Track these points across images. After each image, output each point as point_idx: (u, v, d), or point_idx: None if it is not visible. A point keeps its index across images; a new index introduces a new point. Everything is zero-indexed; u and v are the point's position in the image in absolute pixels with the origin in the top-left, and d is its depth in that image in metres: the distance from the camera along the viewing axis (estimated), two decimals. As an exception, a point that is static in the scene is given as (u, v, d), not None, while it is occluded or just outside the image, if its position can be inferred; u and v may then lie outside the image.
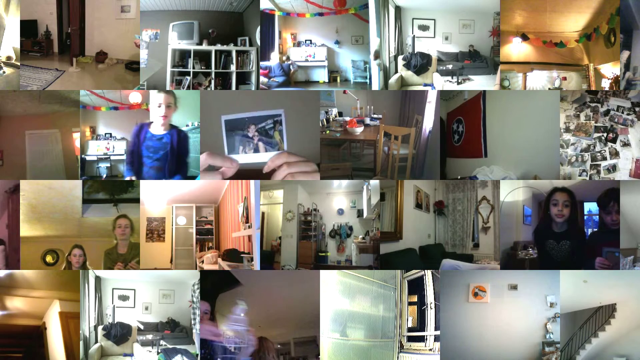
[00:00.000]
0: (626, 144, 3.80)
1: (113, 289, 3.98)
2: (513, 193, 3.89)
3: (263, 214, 4.88)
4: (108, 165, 4.30)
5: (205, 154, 2.27)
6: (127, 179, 3.66)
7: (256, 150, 2.46)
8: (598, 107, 3.86)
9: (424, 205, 4.96)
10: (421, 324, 3.71)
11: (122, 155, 4.33)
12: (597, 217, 3.78)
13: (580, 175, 3.86)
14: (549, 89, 3.95)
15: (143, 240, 4.87)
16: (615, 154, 3.80)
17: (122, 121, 4.30)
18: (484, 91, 4.11)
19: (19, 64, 3.84)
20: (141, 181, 3.87)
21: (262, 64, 4.31)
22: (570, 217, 3.52)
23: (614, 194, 3.57)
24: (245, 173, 2.51)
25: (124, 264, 3.80)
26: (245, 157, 2.42)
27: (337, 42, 4.70)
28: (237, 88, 4.35)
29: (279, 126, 2.50)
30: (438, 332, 3.61)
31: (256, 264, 3.84)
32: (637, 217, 3.65)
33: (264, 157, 2.33)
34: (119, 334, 3.87)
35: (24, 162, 3.91)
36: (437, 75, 4.32)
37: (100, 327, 3.88)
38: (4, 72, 3.76)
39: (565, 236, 3.53)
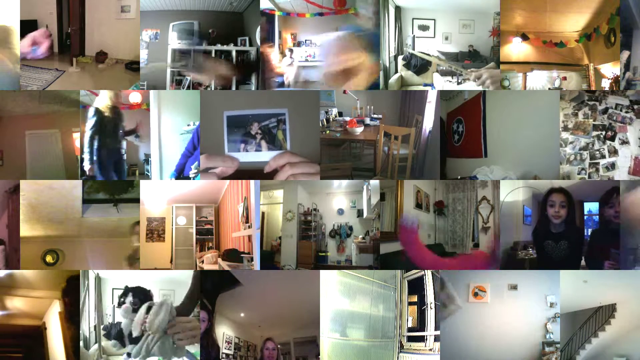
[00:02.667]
0: (625, 142, 3.80)
1: (113, 289, 3.97)
2: (513, 193, 3.89)
3: (263, 214, 4.88)
4: (108, 165, 4.30)
5: (204, 156, 2.26)
6: (171, 179, 3.76)
7: (258, 149, 2.43)
8: (596, 105, 3.86)
9: (424, 205, 4.96)
10: (421, 324, 3.71)
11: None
12: (597, 217, 3.78)
13: (579, 174, 3.86)
14: (549, 89, 3.95)
15: (143, 240, 4.88)
16: (614, 152, 3.80)
17: (122, 121, 4.30)
18: (484, 91, 4.11)
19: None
20: (141, 181, 3.88)
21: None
22: (568, 217, 3.54)
23: (617, 190, 3.61)
24: (245, 173, 2.49)
25: None
26: (247, 156, 2.38)
27: (337, 42, 4.69)
28: (237, 88, 4.34)
29: (282, 125, 2.47)
30: (438, 332, 3.61)
31: (256, 264, 3.85)
32: (637, 217, 3.65)
33: (266, 156, 2.30)
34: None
35: (24, 162, 3.91)
36: (437, 75, 4.32)
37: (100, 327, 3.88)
38: None
39: (563, 236, 3.54)
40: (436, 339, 3.60)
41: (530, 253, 3.84)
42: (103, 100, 3.96)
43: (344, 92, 4.82)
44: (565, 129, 3.89)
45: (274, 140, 2.38)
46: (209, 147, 3.03)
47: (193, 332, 3.44)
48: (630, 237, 3.65)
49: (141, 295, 3.65)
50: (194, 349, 3.66)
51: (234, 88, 4.34)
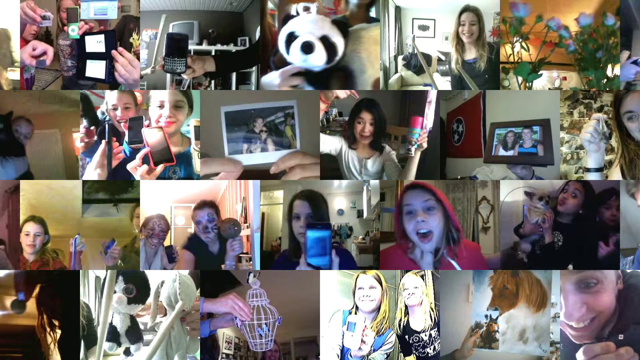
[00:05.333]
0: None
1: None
2: (513, 193, 3.90)
3: (263, 214, 4.87)
4: (108, 165, 4.29)
5: (202, 161, 2.10)
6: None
7: (264, 149, 2.18)
8: (591, 103, 3.86)
9: (423, 205, 4.94)
10: (421, 324, 3.70)
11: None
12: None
13: (576, 173, 3.87)
14: (549, 89, 3.96)
15: (143, 240, 4.86)
16: (611, 150, 3.80)
17: (122, 121, 4.29)
18: (484, 91, 4.12)
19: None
20: (141, 181, 3.87)
21: (262, 64, 4.30)
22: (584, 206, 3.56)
23: (615, 192, 3.60)
24: (246, 173, 2.40)
25: None
26: (252, 158, 2.14)
27: (337, 42, 4.68)
28: (237, 88, 4.34)
29: (290, 120, 2.24)
30: (438, 332, 3.61)
31: (255, 265, 3.85)
32: (637, 217, 3.66)
33: (273, 156, 2.05)
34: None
35: (24, 162, 3.91)
36: (437, 75, 4.32)
37: (100, 327, 3.86)
38: None
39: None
40: (436, 338, 3.60)
41: (530, 253, 3.84)
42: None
43: (344, 92, 4.82)
44: (561, 128, 3.90)
45: (281, 138, 2.12)
46: (210, 151, 2.95)
47: (197, 322, 3.38)
48: (630, 237, 3.66)
49: (137, 280, 3.21)
50: (195, 349, 3.66)
51: (234, 88, 4.35)
